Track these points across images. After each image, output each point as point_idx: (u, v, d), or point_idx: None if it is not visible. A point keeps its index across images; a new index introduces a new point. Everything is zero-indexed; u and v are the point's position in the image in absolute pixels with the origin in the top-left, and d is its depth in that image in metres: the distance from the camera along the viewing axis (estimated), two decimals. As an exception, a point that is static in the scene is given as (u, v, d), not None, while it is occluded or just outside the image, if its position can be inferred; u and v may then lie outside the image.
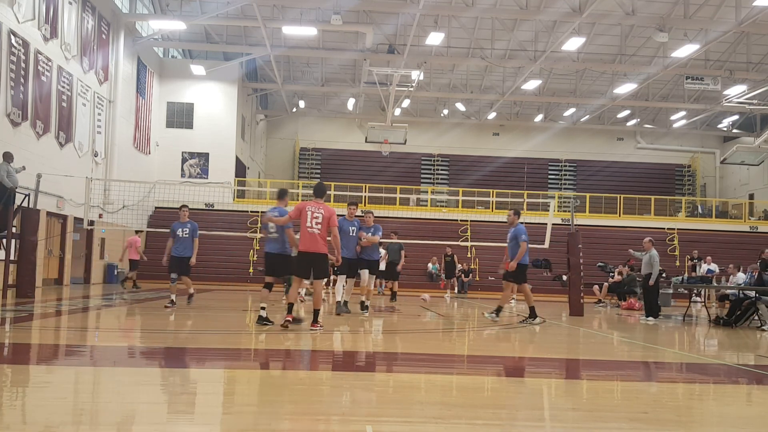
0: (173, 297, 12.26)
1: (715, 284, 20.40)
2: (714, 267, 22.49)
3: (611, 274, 20.18)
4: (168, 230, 12.89)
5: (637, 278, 17.75)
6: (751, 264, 15.73)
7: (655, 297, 13.81)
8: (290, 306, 9.01)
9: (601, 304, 19.03)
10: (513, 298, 18.78)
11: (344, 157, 37.97)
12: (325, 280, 10.07)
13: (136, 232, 21.89)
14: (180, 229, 12.31)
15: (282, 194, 9.76)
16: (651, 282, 13.43)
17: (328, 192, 9.45)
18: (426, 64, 27.59)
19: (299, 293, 16.48)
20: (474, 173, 37.11)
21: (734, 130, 37.03)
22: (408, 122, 32.01)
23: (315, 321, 8.87)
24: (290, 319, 8.87)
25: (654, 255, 13.52)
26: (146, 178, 26.05)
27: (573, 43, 24.86)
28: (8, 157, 13.97)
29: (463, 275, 24.65)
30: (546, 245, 17.07)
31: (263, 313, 9.23)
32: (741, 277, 16.79)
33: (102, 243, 23.23)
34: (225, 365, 6.40)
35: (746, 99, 29.39)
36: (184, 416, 4.16)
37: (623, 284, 19.13)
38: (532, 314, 11.54)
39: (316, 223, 8.72)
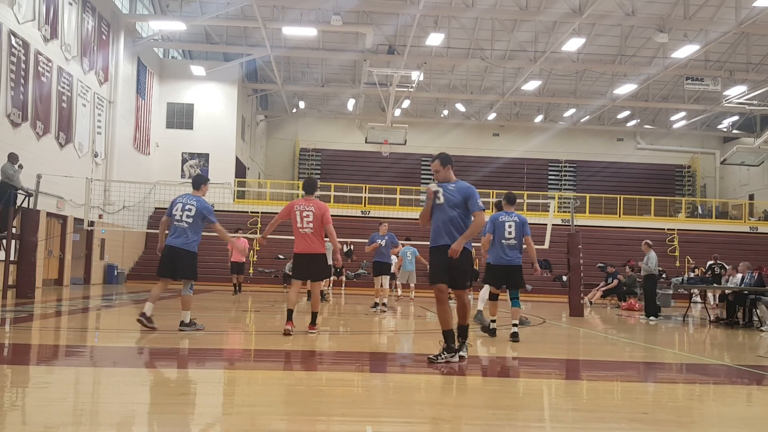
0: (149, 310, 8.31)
1: (715, 285, 20.32)
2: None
3: (609, 280, 19.74)
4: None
5: (638, 279, 17.73)
6: (743, 261, 15.62)
7: (653, 297, 13.93)
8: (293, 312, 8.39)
9: (590, 304, 18.65)
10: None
11: (344, 158, 37.97)
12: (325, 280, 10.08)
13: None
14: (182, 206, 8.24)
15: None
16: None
17: (319, 186, 8.86)
18: (426, 65, 27.60)
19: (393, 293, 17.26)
20: (474, 174, 37.01)
21: (734, 131, 37.02)
22: (408, 123, 32.04)
23: (313, 324, 8.47)
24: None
25: (652, 256, 13.83)
26: (146, 179, 26.05)
27: (573, 44, 24.86)
28: (13, 158, 14.05)
29: None
30: (546, 246, 17.07)
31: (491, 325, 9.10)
32: (740, 277, 16.76)
33: (102, 243, 23.23)
34: (225, 366, 6.40)
35: (746, 99, 29.40)
36: (183, 416, 4.16)
37: (623, 285, 19.09)
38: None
39: (308, 223, 8.18)
